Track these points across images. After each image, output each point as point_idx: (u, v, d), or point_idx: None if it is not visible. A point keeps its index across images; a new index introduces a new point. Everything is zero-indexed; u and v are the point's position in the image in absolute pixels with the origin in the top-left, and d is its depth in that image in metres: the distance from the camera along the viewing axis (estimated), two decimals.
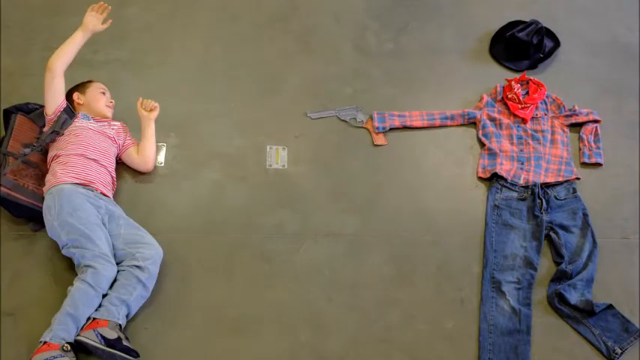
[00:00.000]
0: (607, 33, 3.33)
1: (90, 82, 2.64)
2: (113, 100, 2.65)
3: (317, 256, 2.49)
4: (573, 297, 2.42)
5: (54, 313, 2.11)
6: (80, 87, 2.60)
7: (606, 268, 2.54)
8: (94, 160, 2.40)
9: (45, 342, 2.02)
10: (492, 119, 2.91)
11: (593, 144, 2.87)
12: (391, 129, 2.85)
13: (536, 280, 2.49)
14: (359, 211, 2.63)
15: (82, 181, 2.33)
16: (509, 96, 2.93)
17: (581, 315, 2.41)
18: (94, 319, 2.10)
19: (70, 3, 3.06)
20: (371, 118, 2.86)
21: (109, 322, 2.08)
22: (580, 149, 2.87)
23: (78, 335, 2.07)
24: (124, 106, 2.74)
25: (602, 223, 2.65)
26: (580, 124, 2.93)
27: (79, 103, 2.56)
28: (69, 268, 2.28)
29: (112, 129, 2.56)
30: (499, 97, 2.98)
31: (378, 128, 2.81)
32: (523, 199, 2.67)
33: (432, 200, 2.69)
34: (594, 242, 2.57)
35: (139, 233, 2.33)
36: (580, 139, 2.90)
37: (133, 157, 2.57)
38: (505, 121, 2.90)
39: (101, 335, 2.05)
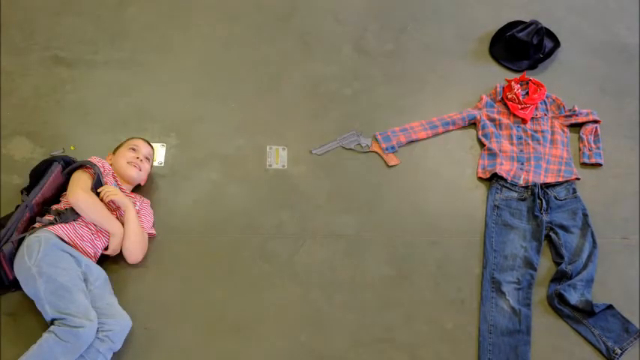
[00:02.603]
0: (607, 33, 3.34)
1: (130, 139, 2.51)
2: (141, 157, 2.44)
3: (317, 256, 2.50)
4: (573, 297, 2.42)
5: None
6: (118, 146, 2.48)
7: (606, 268, 2.54)
8: (98, 230, 2.27)
9: None
10: (492, 119, 2.91)
11: (593, 144, 2.87)
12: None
13: (536, 280, 2.49)
14: (359, 211, 2.63)
15: (72, 243, 2.20)
16: (509, 96, 2.93)
17: (581, 315, 2.41)
18: None
19: (70, 3, 3.07)
20: (375, 140, 2.81)
21: None
22: (580, 149, 2.87)
23: None
24: (124, 106, 2.74)
25: (602, 224, 2.65)
26: (580, 125, 2.93)
27: (110, 163, 2.43)
28: None
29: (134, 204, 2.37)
30: (499, 98, 2.98)
31: (387, 149, 2.77)
32: (523, 200, 2.67)
33: (432, 200, 2.69)
34: (594, 242, 2.57)
35: (109, 302, 2.17)
36: (580, 139, 2.90)
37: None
38: (505, 121, 2.90)
39: None
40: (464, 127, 2.92)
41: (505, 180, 2.71)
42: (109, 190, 2.29)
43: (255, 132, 2.79)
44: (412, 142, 2.83)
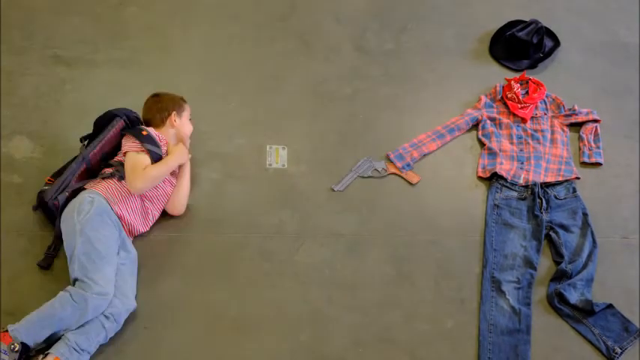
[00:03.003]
0: (607, 33, 3.33)
1: (185, 102, 2.59)
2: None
3: (317, 256, 2.49)
4: (573, 296, 2.42)
5: None
6: (178, 107, 2.53)
7: (606, 268, 2.54)
8: (149, 200, 2.37)
9: (6, 330, 2.00)
10: (492, 119, 2.91)
11: (592, 143, 2.87)
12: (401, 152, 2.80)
13: (536, 279, 2.49)
14: (359, 211, 2.63)
15: (119, 215, 2.29)
16: (509, 95, 2.93)
17: (580, 314, 2.40)
18: (48, 353, 2.01)
19: (71, 3, 3.07)
20: (389, 161, 2.77)
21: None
22: (580, 149, 2.87)
23: None
24: (124, 106, 2.74)
25: (602, 223, 2.65)
26: (580, 124, 2.93)
27: (172, 124, 2.50)
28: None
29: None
30: (498, 97, 2.98)
31: (403, 168, 2.74)
32: (523, 199, 2.67)
33: (432, 200, 2.69)
34: (594, 242, 2.57)
35: (127, 283, 2.24)
36: (580, 138, 2.90)
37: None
38: (505, 120, 2.90)
39: None
40: None
41: (505, 179, 2.71)
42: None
43: (255, 131, 2.79)
44: (425, 155, 2.80)
